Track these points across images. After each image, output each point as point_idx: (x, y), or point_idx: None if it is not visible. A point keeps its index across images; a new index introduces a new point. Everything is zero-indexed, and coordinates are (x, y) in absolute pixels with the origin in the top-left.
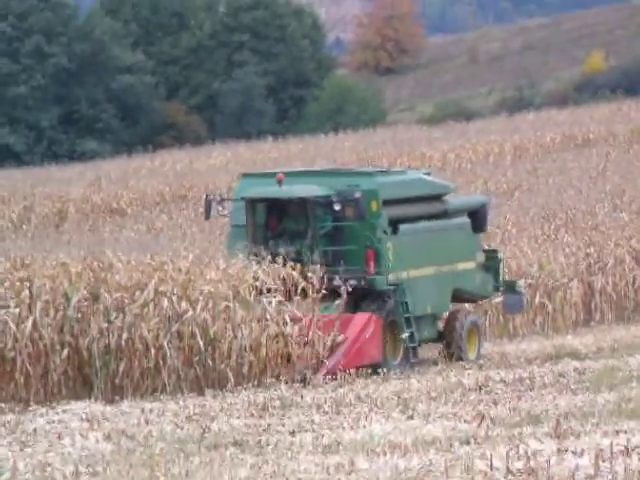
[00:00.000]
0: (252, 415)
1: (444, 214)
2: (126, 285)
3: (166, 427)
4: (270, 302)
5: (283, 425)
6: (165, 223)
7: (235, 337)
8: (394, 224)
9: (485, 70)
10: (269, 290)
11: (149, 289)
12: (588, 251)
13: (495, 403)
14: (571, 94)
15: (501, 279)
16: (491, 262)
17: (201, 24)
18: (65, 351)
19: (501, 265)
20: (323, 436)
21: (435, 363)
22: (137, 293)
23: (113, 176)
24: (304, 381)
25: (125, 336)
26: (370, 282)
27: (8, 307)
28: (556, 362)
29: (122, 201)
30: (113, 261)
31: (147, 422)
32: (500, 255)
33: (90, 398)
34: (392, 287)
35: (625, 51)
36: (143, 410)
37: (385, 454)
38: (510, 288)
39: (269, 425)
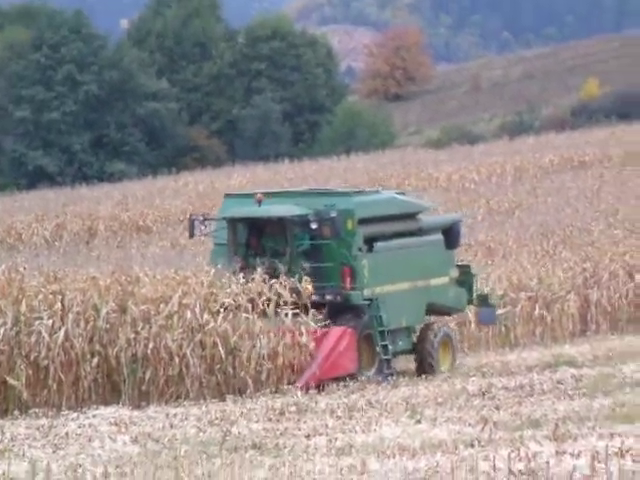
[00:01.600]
0: (270, 419)
1: (418, 232)
2: (152, 298)
3: (190, 431)
4: (287, 314)
5: (299, 429)
6: (188, 240)
7: (254, 347)
8: (369, 242)
9: (487, 97)
10: (285, 303)
11: (173, 301)
12: (584, 266)
13: (497, 408)
14: (568, 119)
15: (474, 293)
16: (465, 277)
17: (222, 54)
18: (95, 360)
19: (474, 280)
20: (337, 439)
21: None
22: (162, 305)
23: (139, 196)
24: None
25: (151, 346)
26: (346, 297)
27: (41, 318)
28: (554, 370)
29: (148, 219)
30: (140, 275)
31: (172, 426)
32: (473, 270)
33: (118, 404)
34: (367, 302)
35: (617, 79)
36: (168, 415)
37: (395, 456)
38: (483, 301)
39: (286, 429)
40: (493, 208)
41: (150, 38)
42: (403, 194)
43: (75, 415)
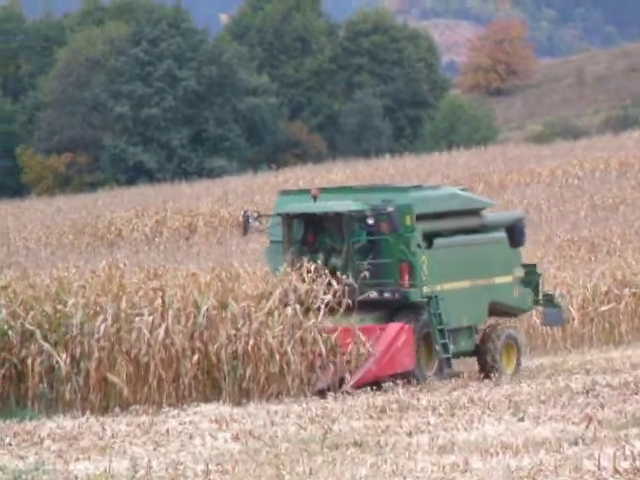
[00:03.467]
0: (371, 417)
1: (481, 228)
2: (252, 294)
3: (290, 428)
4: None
5: (401, 426)
6: None
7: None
8: (429, 238)
9: (591, 91)
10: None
11: (274, 298)
12: None
13: (602, 406)
14: None
15: (540, 293)
16: (530, 276)
17: (322, 48)
18: (195, 356)
19: (540, 279)
20: (438, 437)
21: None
22: (263, 302)
23: (239, 192)
24: (323, 393)
25: (251, 342)
26: (404, 294)
27: (142, 315)
28: None
29: None
30: (240, 272)
31: (272, 423)
32: (539, 270)
33: (219, 401)
34: (426, 299)
35: None
36: (269, 412)
37: (497, 454)
38: (549, 302)
39: (387, 426)
40: (597, 204)
41: (250, 33)
42: (465, 190)
43: (176, 412)
